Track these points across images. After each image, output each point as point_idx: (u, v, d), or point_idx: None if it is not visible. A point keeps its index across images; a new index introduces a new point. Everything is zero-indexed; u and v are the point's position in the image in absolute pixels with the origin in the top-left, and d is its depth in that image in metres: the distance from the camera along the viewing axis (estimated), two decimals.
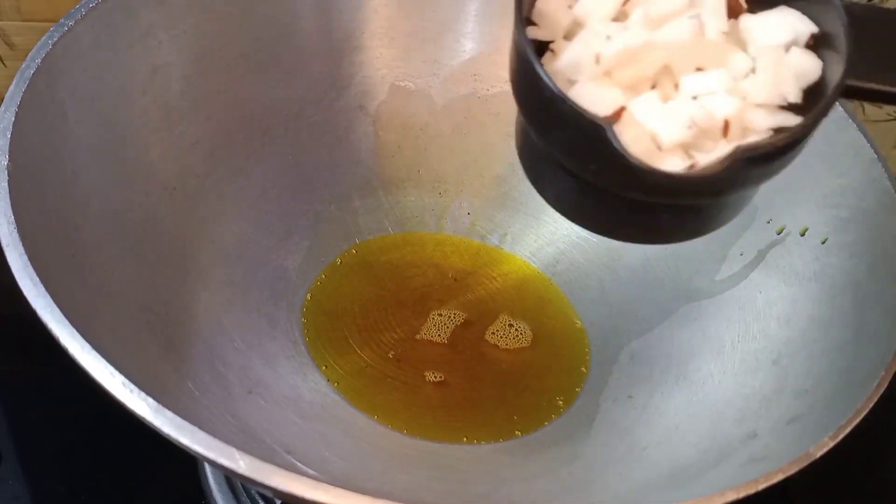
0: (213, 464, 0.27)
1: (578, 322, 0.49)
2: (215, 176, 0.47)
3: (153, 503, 0.47)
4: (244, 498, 0.45)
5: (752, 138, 0.27)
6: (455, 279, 0.50)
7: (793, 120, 0.27)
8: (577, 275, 0.51)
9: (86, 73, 0.40)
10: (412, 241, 0.52)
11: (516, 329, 0.48)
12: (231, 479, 0.46)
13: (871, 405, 0.33)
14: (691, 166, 0.27)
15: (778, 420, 0.37)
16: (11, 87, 0.36)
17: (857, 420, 0.32)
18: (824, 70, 0.28)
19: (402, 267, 0.51)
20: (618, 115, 0.27)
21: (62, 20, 0.39)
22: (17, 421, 0.49)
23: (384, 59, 0.52)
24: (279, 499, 0.32)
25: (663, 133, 0.27)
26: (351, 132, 0.52)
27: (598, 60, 0.28)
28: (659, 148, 0.27)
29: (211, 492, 0.46)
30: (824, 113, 0.27)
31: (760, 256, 0.45)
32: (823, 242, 0.42)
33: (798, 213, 0.44)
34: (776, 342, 0.41)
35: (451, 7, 0.51)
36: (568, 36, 0.29)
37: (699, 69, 0.28)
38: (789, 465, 0.30)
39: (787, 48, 0.28)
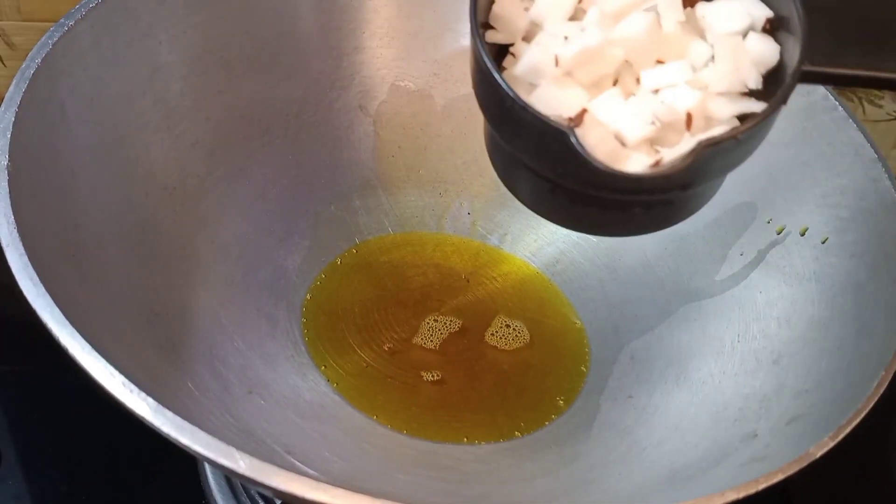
0: (213, 464, 0.27)
1: (578, 322, 0.49)
2: (215, 176, 0.47)
3: (153, 503, 0.47)
4: (244, 498, 0.45)
5: (717, 127, 0.27)
6: (468, 280, 0.50)
7: (755, 106, 0.27)
8: (577, 275, 0.51)
9: (86, 73, 0.40)
10: (412, 241, 0.52)
11: (514, 329, 0.48)
12: (231, 480, 0.46)
13: (871, 405, 0.33)
14: (657, 162, 0.27)
15: (778, 420, 0.37)
16: (11, 87, 0.36)
17: (857, 420, 0.32)
18: (782, 54, 0.28)
19: (402, 267, 0.51)
20: (580, 117, 0.27)
21: (62, 20, 0.39)
22: (17, 421, 0.49)
23: (384, 59, 0.52)
24: (279, 499, 0.32)
25: (627, 131, 0.27)
26: (351, 132, 0.52)
27: (557, 62, 0.28)
28: (624, 145, 0.27)
29: (211, 492, 0.46)
30: (783, 100, 0.27)
31: (760, 256, 0.45)
32: (823, 242, 0.42)
33: (798, 213, 0.44)
34: (776, 342, 0.41)
35: (451, 7, 0.51)
36: (527, 38, 0.29)
37: (659, 62, 0.28)
38: (789, 465, 0.30)
39: (745, 34, 0.28)
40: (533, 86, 0.28)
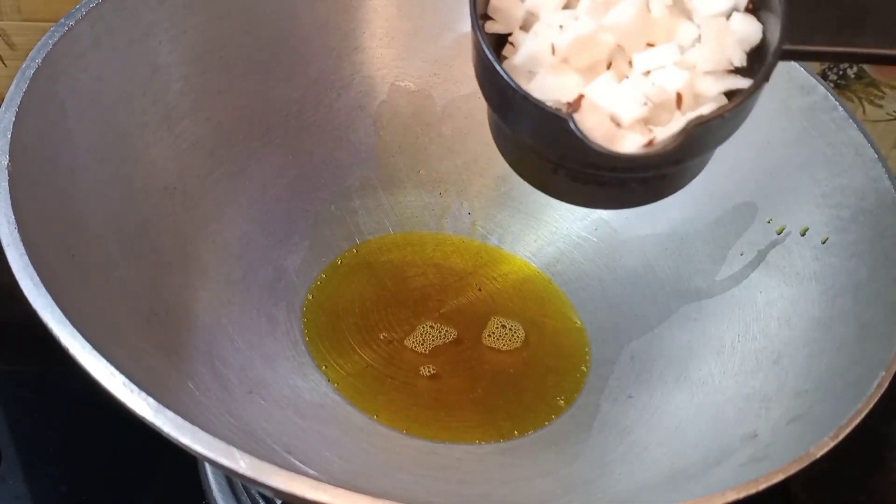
0: (213, 464, 0.27)
1: (578, 322, 0.49)
2: (215, 176, 0.47)
3: (153, 503, 0.47)
4: (244, 498, 0.45)
5: (705, 105, 0.29)
6: (480, 289, 0.50)
7: (741, 82, 0.29)
8: (577, 275, 0.51)
9: (86, 72, 0.40)
10: (412, 241, 0.52)
11: (510, 329, 0.48)
12: (231, 479, 0.46)
13: (871, 405, 0.33)
14: (650, 141, 0.28)
15: (778, 420, 0.37)
16: (12, 87, 0.36)
17: (858, 420, 0.32)
18: (765, 32, 0.30)
19: (403, 267, 0.51)
20: (577, 102, 0.29)
21: (62, 20, 0.39)
22: (17, 421, 0.49)
23: (384, 59, 0.52)
24: (279, 499, 0.32)
25: (621, 113, 0.29)
26: (351, 132, 0.52)
27: (553, 51, 0.29)
28: (619, 126, 0.29)
29: (211, 491, 0.46)
30: (766, 78, 0.29)
31: (761, 256, 0.45)
32: (824, 242, 0.42)
33: (798, 213, 0.44)
34: (776, 342, 0.41)
35: (451, 7, 0.51)
36: (524, 27, 0.31)
37: (650, 44, 0.30)
38: (790, 465, 0.30)
39: (728, 14, 0.30)
40: (532, 73, 0.30)
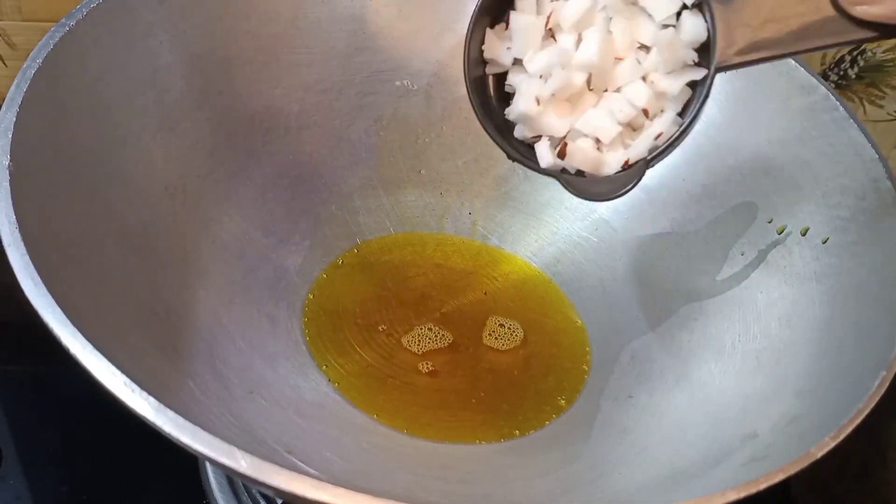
0: (214, 463, 0.27)
1: (579, 321, 0.49)
2: (215, 176, 0.47)
3: (154, 503, 0.47)
4: (245, 498, 0.45)
5: (671, 101, 0.35)
6: (486, 293, 0.50)
7: (698, 73, 0.35)
8: (577, 274, 0.51)
9: (86, 73, 0.40)
10: (413, 241, 0.52)
11: (508, 329, 0.48)
12: (232, 479, 0.46)
13: (871, 405, 0.33)
14: (626, 162, 0.36)
15: (779, 420, 0.37)
16: (13, 87, 0.36)
17: (858, 420, 0.32)
18: (709, 29, 0.34)
19: (403, 267, 0.51)
20: (563, 149, 0.36)
21: (63, 20, 0.39)
22: (17, 421, 0.49)
23: (385, 59, 0.52)
24: (280, 498, 0.32)
25: (602, 135, 0.36)
26: (351, 132, 0.52)
27: (539, 102, 0.37)
28: (601, 144, 0.36)
29: (212, 491, 0.46)
30: (704, 100, 0.34)
31: (761, 256, 0.45)
32: (824, 242, 0.42)
33: (799, 213, 0.44)
34: (777, 342, 0.41)
35: (451, 7, 0.51)
36: (516, 63, 0.38)
37: (618, 58, 0.36)
38: (790, 464, 0.31)
39: (679, 15, 0.35)
40: (529, 117, 0.37)
